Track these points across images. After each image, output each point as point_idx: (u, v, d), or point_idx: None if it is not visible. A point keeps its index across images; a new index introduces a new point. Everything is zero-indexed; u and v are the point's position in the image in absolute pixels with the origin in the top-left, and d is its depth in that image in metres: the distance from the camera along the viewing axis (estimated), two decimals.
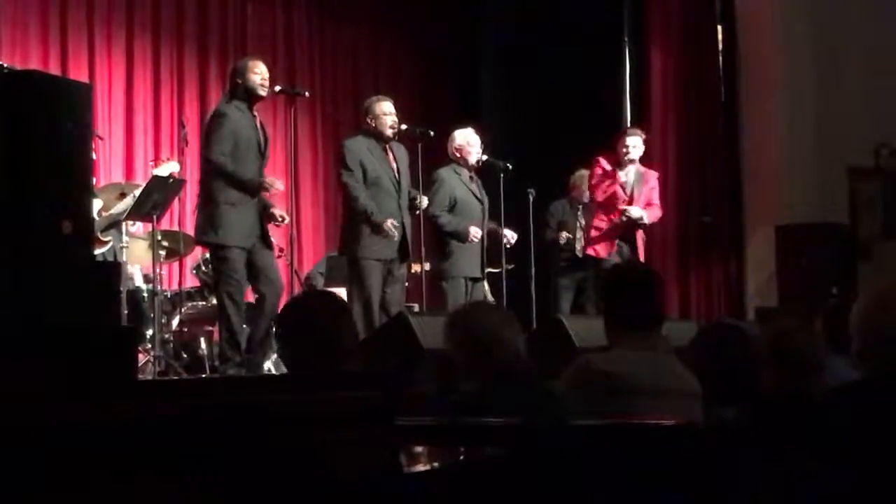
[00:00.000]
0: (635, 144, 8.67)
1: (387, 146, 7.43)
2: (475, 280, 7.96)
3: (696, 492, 2.53)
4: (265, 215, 6.91)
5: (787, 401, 3.55)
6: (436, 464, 2.08)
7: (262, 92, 6.84)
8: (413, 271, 8.24)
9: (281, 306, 7.06)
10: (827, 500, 2.91)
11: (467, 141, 8.10)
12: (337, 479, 1.75)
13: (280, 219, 6.98)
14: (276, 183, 6.81)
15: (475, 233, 7.79)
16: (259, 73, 6.81)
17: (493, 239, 8.14)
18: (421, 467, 2.06)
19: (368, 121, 7.43)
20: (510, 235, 8.28)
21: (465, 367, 3.60)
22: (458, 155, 8.06)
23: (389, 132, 7.38)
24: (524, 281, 8.64)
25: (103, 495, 1.52)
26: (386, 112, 7.40)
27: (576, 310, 8.78)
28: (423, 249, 7.68)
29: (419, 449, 2.20)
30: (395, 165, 7.42)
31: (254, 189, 6.68)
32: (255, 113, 6.90)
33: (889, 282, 3.45)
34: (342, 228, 7.57)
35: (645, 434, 2.57)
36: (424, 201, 7.59)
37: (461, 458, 2.19)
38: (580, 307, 8.66)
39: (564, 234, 9.30)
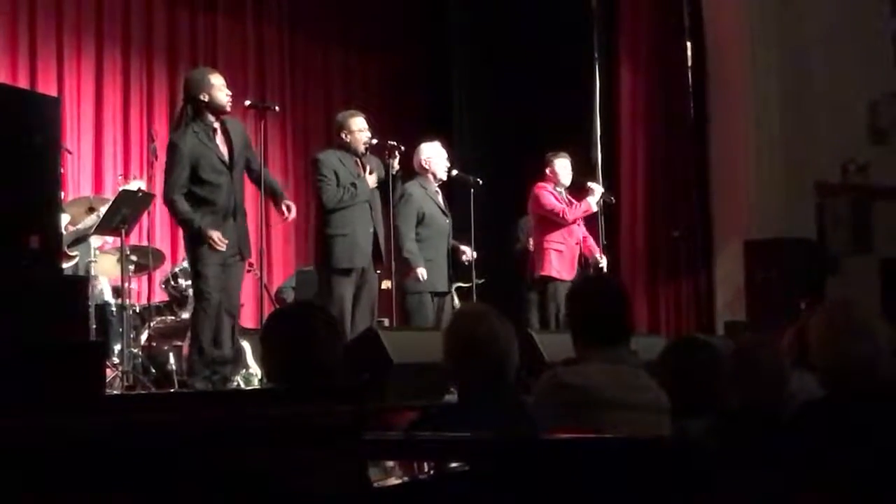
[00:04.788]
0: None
1: (358, 159, 7.44)
2: (441, 295, 7.98)
3: None
4: (277, 206, 6.98)
5: (753, 416, 3.57)
6: (405, 478, 2.08)
7: (229, 108, 6.74)
8: (384, 287, 8.24)
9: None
10: None
11: (434, 154, 8.12)
12: (305, 495, 1.75)
13: (286, 209, 6.98)
14: (222, 241, 6.52)
15: (422, 273, 7.78)
16: (223, 89, 6.64)
17: (455, 255, 8.18)
18: (391, 482, 2.06)
19: (343, 136, 7.43)
20: (469, 253, 8.30)
21: (455, 368, 3.55)
22: (424, 168, 8.08)
23: (363, 148, 7.40)
24: (494, 295, 8.64)
25: None
26: (360, 128, 7.42)
27: (541, 322, 8.79)
28: (392, 265, 7.68)
29: (389, 464, 2.20)
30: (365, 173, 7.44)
31: (202, 237, 6.49)
32: (216, 126, 6.67)
33: (835, 302, 3.49)
34: (315, 240, 7.57)
35: (613, 448, 2.58)
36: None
37: (430, 472, 2.20)
38: (544, 320, 8.67)
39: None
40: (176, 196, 6.55)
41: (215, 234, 6.49)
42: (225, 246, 6.53)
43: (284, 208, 6.98)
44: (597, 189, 8.93)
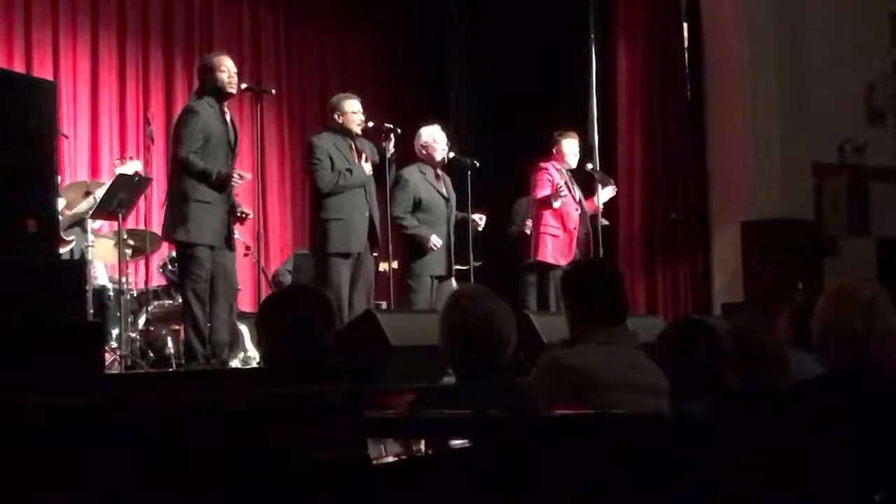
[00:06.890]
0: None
1: (352, 142, 7.44)
2: (442, 278, 7.97)
3: (661, 486, 2.54)
4: (232, 216, 6.92)
5: (752, 395, 3.58)
6: (404, 456, 2.09)
7: (231, 90, 6.83)
8: (381, 270, 8.24)
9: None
10: (788, 494, 2.93)
11: (433, 138, 8.10)
12: (303, 473, 1.75)
13: (242, 215, 7.02)
14: (245, 173, 6.84)
15: (435, 241, 7.79)
16: (226, 71, 6.79)
17: (464, 227, 8.14)
18: (389, 459, 2.07)
19: (336, 117, 7.42)
20: (478, 218, 8.25)
21: (451, 351, 3.54)
22: (424, 152, 8.07)
23: (357, 129, 7.40)
24: (491, 277, 8.65)
25: (67, 492, 1.52)
26: (354, 110, 7.42)
27: (540, 304, 8.77)
28: (389, 247, 7.68)
29: (388, 442, 2.20)
30: (360, 160, 7.44)
31: (224, 181, 6.63)
32: (226, 109, 6.87)
33: (845, 280, 3.49)
34: (311, 225, 7.56)
35: (612, 427, 2.58)
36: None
37: (427, 450, 2.20)
38: (542, 302, 8.65)
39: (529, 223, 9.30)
40: (189, 155, 6.64)
41: (237, 173, 6.73)
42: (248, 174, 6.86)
43: (241, 213, 7.09)
44: (603, 193, 8.81)
